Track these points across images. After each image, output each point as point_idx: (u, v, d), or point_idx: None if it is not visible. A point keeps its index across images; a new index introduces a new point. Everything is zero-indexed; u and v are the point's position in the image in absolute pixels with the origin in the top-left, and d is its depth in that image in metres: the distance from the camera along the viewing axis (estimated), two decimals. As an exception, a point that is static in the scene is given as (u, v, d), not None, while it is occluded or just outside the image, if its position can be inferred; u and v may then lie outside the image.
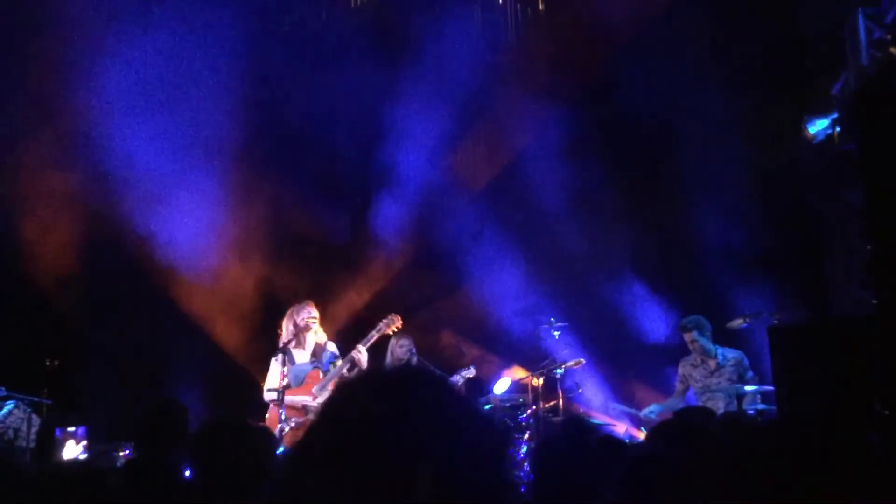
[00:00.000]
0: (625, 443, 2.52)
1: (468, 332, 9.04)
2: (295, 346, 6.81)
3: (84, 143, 8.20)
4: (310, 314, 6.79)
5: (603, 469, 2.07)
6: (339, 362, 6.74)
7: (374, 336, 6.76)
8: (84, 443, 7.08)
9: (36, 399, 6.96)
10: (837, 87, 7.03)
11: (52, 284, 8.35)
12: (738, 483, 2.14)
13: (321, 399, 6.61)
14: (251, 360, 7.84)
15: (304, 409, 6.60)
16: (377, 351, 7.43)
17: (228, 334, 8.67)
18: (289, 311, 6.89)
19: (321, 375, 6.69)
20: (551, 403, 7.43)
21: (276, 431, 6.22)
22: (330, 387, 6.61)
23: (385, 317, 6.86)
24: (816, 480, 2.33)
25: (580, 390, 7.63)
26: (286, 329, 6.82)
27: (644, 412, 7.09)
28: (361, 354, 6.64)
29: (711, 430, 2.57)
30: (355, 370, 6.68)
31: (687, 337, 7.00)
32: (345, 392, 1.17)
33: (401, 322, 6.84)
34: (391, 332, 6.91)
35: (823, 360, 4.21)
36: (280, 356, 6.63)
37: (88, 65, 8.06)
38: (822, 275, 7.71)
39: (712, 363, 6.97)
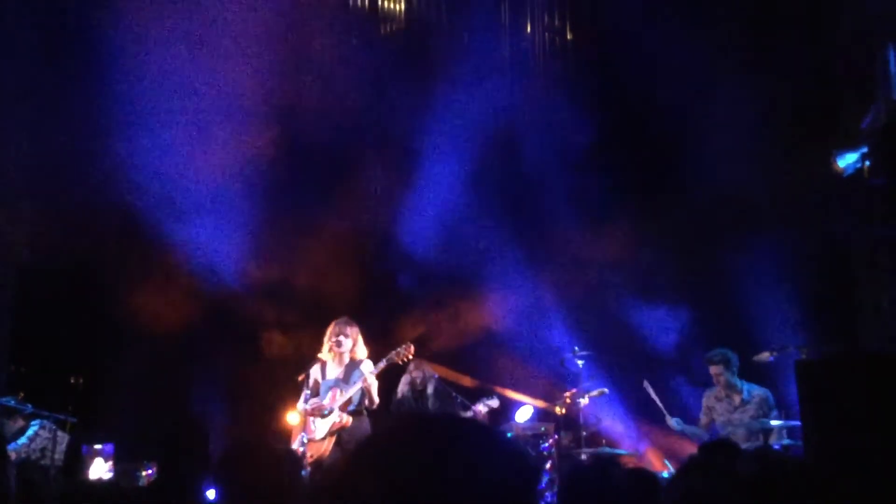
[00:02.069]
0: (655, 476, 2.48)
1: (489, 359, 9.01)
2: (335, 361, 6.89)
3: (101, 152, 8.25)
4: (336, 333, 6.85)
5: (634, 502, 2.05)
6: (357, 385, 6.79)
7: (382, 364, 6.77)
8: (111, 461, 7.11)
9: (62, 416, 7.00)
10: (867, 120, 7.00)
11: (75, 303, 8.44)
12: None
13: (327, 421, 6.65)
14: (277, 379, 7.84)
15: (311, 421, 6.67)
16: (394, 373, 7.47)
17: (253, 353, 8.70)
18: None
19: (339, 394, 6.73)
20: (574, 433, 7.39)
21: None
22: (337, 408, 6.66)
23: (398, 346, 6.86)
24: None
25: (601, 422, 7.60)
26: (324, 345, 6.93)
27: (670, 421, 6.99)
28: (368, 382, 6.67)
29: (739, 468, 2.53)
30: (363, 396, 6.74)
31: (713, 370, 6.93)
32: (375, 443, 1.17)
33: (412, 351, 6.83)
34: (401, 363, 6.90)
35: (852, 396, 4.14)
36: (303, 377, 6.74)
37: (124, 90, 8.17)
38: (852, 309, 7.63)
39: (737, 398, 6.89)
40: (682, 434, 7.10)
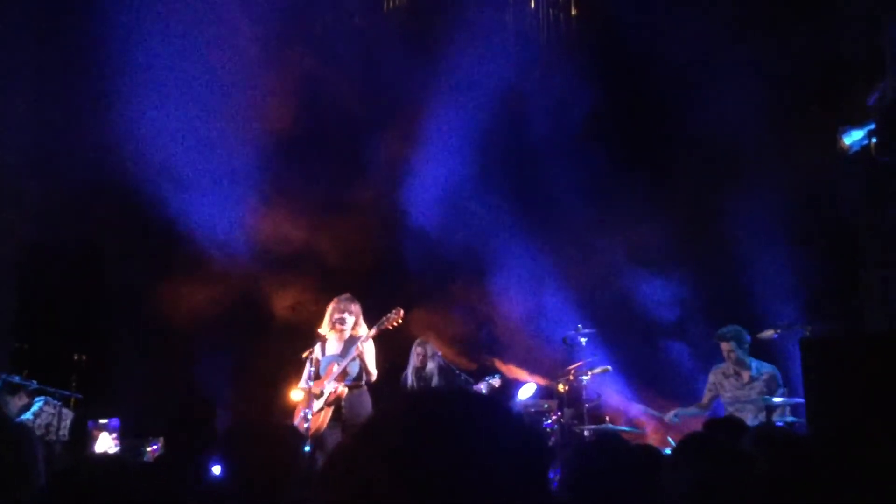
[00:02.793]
0: (659, 452, 2.45)
1: (493, 335, 9.02)
2: (336, 337, 6.90)
3: (105, 127, 8.19)
4: (341, 310, 6.86)
5: (640, 481, 2.03)
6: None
7: (373, 331, 6.78)
8: (115, 435, 7.15)
9: (67, 393, 7.02)
10: (874, 97, 6.93)
11: (77, 279, 8.43)
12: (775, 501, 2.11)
13: (326, 390, 6.67)
14: (282, 356, 7.85)
15: (313, 398, 6.70)
16: (395, 351, 7.49)
17: (258, 329, 8.70)
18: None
19: (335, 367, 6.75)
20: (576, 410, 7.41)
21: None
22: (333, 380, 6.68)
23: (388, 311, 6.85)
24: (849, 497, 2.29)
25: (600, 398, 7.61)
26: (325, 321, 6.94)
27: (668, 416, 7.03)
28: (361, 349, 6.69)
29: (744, 446, 2.51)
30: (356, 363, 6.74)
31: (724, 347, 6.93)
32: (380, 421, 1.11)
33: (402, 316, 6.82)
34: (391, 328, 6.88)
35: (857, 374, 4.13)
36: (308, 353, 6.76)
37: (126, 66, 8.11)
38: (856, 287, 7.61)
39: (745, 375, 6.90)
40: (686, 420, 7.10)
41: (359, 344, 6.69)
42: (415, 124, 8.94)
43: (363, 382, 6.80)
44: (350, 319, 6.88)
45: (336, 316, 6.87)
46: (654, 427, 7.83)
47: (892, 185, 6.35)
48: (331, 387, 6.68)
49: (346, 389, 6.68)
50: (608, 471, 2.12)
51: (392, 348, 7.49)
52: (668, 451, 6.62)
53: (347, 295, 7.04)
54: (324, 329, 6.93)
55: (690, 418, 7.02)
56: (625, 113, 8.59)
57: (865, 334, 6.45)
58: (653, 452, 2.40)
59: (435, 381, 7.57)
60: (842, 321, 7.28)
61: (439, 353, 7.75)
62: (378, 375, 6.88)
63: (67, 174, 8.03)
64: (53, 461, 6.31)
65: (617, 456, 2.16)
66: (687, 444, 2.31)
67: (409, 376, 7.66)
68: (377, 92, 8.88)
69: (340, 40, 8.87)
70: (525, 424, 1.09)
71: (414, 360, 7.65)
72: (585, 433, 7.03)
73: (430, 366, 7.61)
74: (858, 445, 2.76)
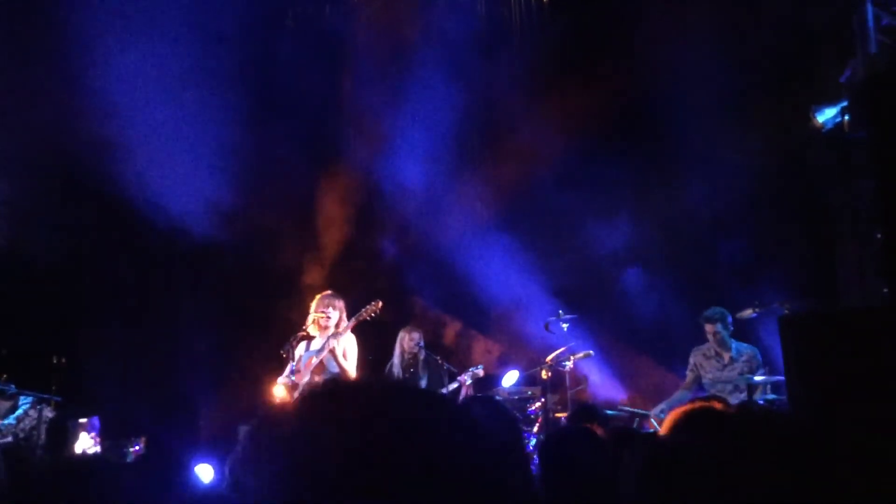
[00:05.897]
0: (639, 434, 2.45)
1: (475, 324, 9.03)
2: (320, 334, 6.87)
3: (76, 125, 8.06)
4: (325, 305, 6.83)
5: (617, 462, 2.03)
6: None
7: (351, 322, 6.78)
8: (94, 434, 7.09)
9: (46, 396, 6.96)
10: (846, 74, 6.97)
11: (53, 281, 8.35)
12: (752, 476, 2.11)
13: (302, 385, 6.65)
14: (265, 352, 7.83)
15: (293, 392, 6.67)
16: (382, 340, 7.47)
17: (241, 325, 8.66)
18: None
19: (313, 360, 6.74)
20: (560, 396, 7.44)
21: None
22: (310, 372, 6.66)
23: (367, 303, 6.84)
24: (828, 472, 2.30)
25: (586, 381, 7.64)
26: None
27: (654, 412, 7.05)
28: (333, 344, 6.68)
29: (730, 418, 2.52)
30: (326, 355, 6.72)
31: (709, 328, 6.98)
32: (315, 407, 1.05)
33: (380, 306, 6.81)
34: (369, 318, 6.86)
35: (835, 350, 4.16)
36: (287, 347, 6.72)
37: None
38: (833, 264, 7.67)
39: (726, 356, 6.97)
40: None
41: (330, 339, 6.65)
42: (388, 109, 8.90)
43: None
44: (334, 315, 6.85)
45: (321, 311, 6.83)
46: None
47: (864, 160, 6.39)
48: (306, 380, 6.66)
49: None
50: (584, 442, 2.10)
51: (374, 341, 7.48)
52: (650, 430, 6.68)
53: (330, 291, 7.01)
54: (309, 326, 6.88)
55: (677, 406, 7.05)
56: (596, 100, 8.58)
57: (844, 310, 6.50)
58: (628, 430, 2.40)
59: (420, 369, 7.62)
60: (819, 298, 7.34)
61: (422, 344, 7.77)
62: (362, 369, 6.85)
63: (39, 174, 7.93)
64: (35, 465, 6.26)
65: (591, 428, 2.14)
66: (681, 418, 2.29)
67: (396, 367, 7.65)
68: (349, 86, 8.84)
69: (312, 31, 8.81)
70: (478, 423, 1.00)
71: (407, 345, 7.64)
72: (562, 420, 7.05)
73: (421, 356, 7.65)
74: (839, 420, 2.78)
